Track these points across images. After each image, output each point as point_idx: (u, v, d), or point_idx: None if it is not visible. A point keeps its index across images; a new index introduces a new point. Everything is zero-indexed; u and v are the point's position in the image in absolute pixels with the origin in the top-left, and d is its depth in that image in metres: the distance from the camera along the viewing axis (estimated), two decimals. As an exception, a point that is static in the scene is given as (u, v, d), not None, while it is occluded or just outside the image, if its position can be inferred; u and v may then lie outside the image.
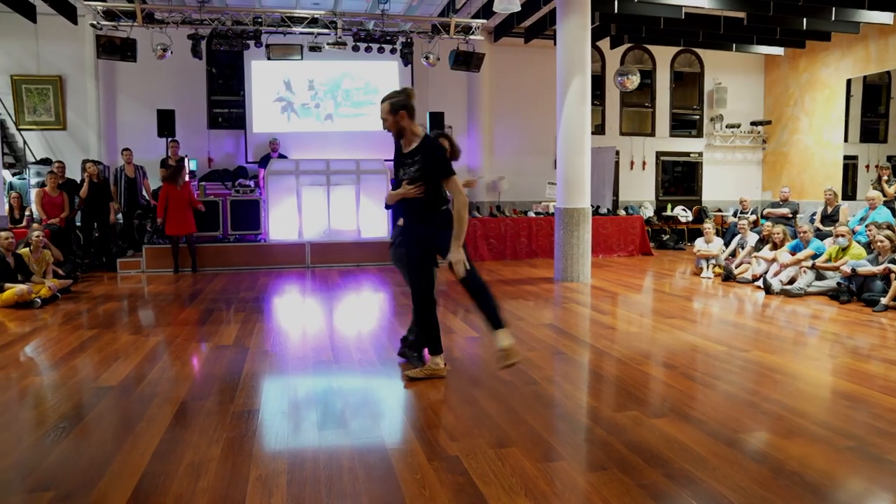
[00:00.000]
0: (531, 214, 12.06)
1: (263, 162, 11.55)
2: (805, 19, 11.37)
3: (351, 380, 4.38)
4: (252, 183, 11.11)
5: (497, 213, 12.34)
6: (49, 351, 5.24)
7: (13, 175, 11.05)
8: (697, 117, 15.33)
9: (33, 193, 9.88)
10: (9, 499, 2.70)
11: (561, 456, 3.07)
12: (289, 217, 10.71)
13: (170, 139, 10.92)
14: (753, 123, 15.30)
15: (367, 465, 2.99)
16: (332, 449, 3.20)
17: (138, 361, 4.80)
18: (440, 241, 4.00)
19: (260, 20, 10.26)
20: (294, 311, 7.35)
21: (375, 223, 10.97)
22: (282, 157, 11.66)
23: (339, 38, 10.40)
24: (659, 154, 15.08)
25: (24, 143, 11.75)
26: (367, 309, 7.13)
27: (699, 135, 15.33)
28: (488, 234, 11.22)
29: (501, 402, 3.82)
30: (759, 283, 7.97)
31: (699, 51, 14.87)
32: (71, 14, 10.97)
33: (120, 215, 10.53)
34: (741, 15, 11.46)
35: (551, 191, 11.85)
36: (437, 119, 11.52)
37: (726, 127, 15.15)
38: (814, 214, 10.44)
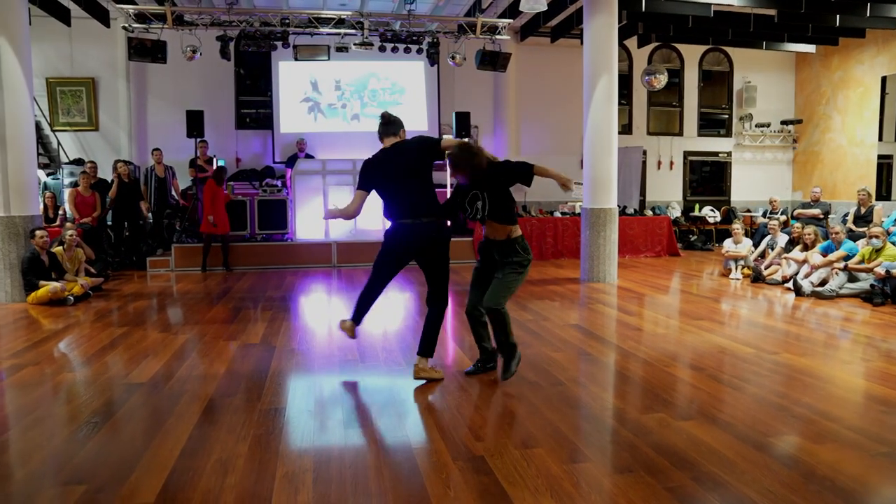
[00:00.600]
0: (557, 214, 12.00)
1: (290, 162, 11.66)
2: (838, 16, 11.14)
3: (376, 379, 4.40)
4: (279, 183, 11.22)
5: (523, 213, 12.30)
6: (81, 347, 5.34)
7: (48, 175, 11.29)
8: (726, 116, 15.13)
9: (66, 193, 10.09)
10: (43, 491, 2.76)
11: (587, 457, 3.05)
12: (315, 217, 10.79)
13: (199, 139, 11.07)
14: (784, 122, 15.05)
15: (392, 464, 3.00)
16: (357, 447, 3.22)
17: (167, 359, 4.88)
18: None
19: (287, 21, 10.36)
20: (320, 310, 7.41)
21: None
22: (309, 156, 11.76)
23: (366, 38, 10.46)
24: (687, 154, 14.91)
25: (59, 143, 12.01)
26: (393, 308, 7.15)
27: (728, 134, 15.12)
28: (513, 235, 11.16)
29: (527, 403, 3.81)
30: (790, 284, 7.83)
31: (728, 49, 14.67)
32: (103, 17, 11.21)
33: (150, 214, 10.71)
34: (772, 12, 11.27)
35: (578, 191, 11.77)
36: (462, 119, 11.51)
37: (756, 126, 14.93)
38: (846, 215, 10.23)
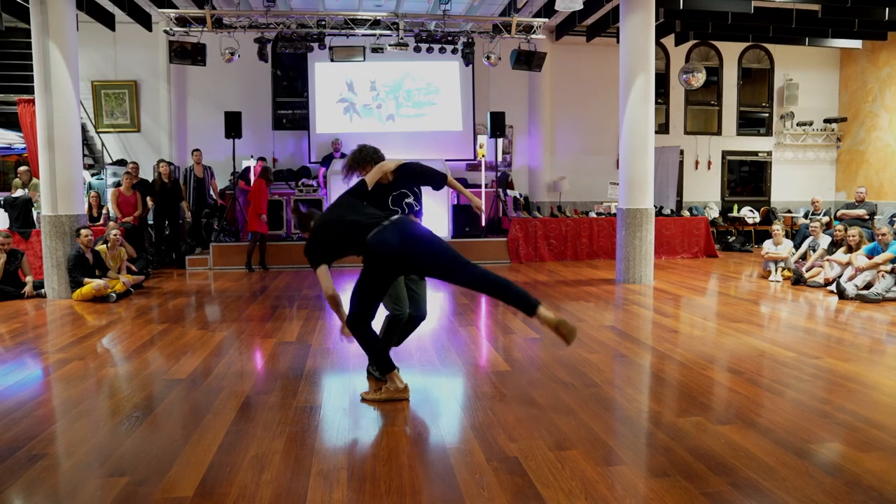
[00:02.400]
0: (592, 215, 11.90)
1: (326, 162, 11.78)
2: (887, 9, 10.79)
3: (410, 378, 4.41)
4: (315, 182, 11.34)
5: (558, 214, 12.23)
6: (123, 343, 5.48)
7: (92, 175, 11.60)
8: (766, 115, 14.80)
9: (109, 193, 10.36)
10: (89, 482, 2.84)
11: (622, 460, 3.02)
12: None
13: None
14: (827, 121, 14.66)
15: (426, 464, 3.01)
16: (391, 446, 3.23)
17: (205, 356, 4.97)
18: None
19: (323, 23, 10.46)
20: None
21: (436, 222, 11.02)
22: (344, 156, 11.84)
23: (401, 39, 10.50)
24: (725, 153, 14.63)
25: (102, 145, 12.34)
26: (428, 308, 7.17)
27: (768, 133, 14.80)
28: (549, 235, 11.13)
29: (561, 404, 3.79)
30: (832, 287, 7.63)
31: (769, 46, 14.34)
32: (146, 22, 11.48)
33: (190, 214, 10.93)
34: (815, 7, 10.99)
35: (613, 191, 11.67)
36: (497, 119, 11.49)
37: (797, 125, 14.58)
38: (893, 216, 9.92)
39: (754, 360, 4.78)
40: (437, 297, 7.74)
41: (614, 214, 10.53)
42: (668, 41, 13.44)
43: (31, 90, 8.15)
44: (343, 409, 3.78)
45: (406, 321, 4.08)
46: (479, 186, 11.19)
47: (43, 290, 7.77)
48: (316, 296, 7.74)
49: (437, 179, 4.17)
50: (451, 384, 4.29)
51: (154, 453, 3.12)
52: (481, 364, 4.74)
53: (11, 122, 11.13)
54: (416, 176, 4.15)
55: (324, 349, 5.16)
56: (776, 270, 8.79)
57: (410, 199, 4.16)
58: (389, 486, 2.77)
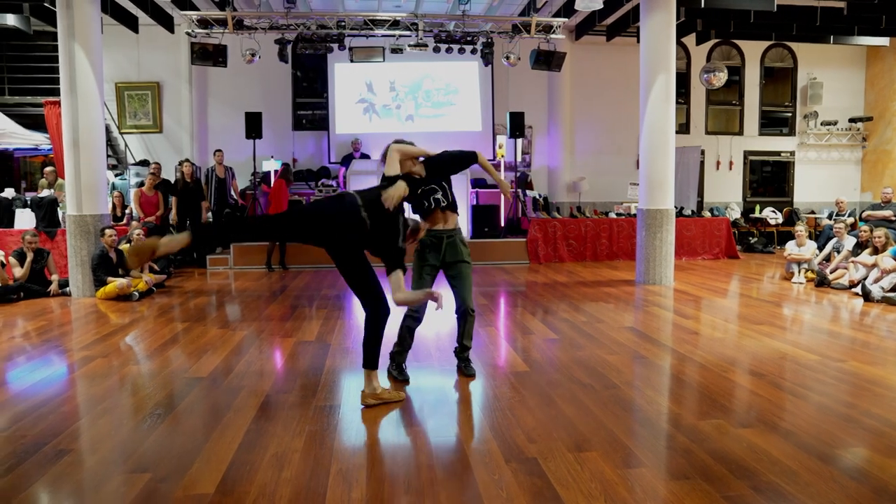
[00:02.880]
0: (612, 215, 11.83)
1: (346, 162, 11.83)
2: (915, 6, 10.61)
3: (430, 378, 4.43)
4: (334, 182, 11.40)
5: (577, 214, 12.17)
6: (145, 341, 5.55)
7: (115, 176, 11.76)
8: (789, 114, 14.62)
9: (132, 193, 10.50)
10: (112, 478, 2.88)
11: (641, 462, 3.00)
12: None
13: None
14: (852, 120, 14.44)
15: (444, 464, 3.01)
16: (410, 446, 3.24)
17: (226, 354, 5.02)
18: None
19: (343, 23, 10.51)
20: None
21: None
22: (364, 156, 11.91)
23: (421, 39, 10.53)
24: (747, 153, 14.47)
25: (126, 145, 12.51)
26: (447, 308, 7.17)
27: (791, 133, 14.61)
28: (568, 235, 11.08)
29: (580, 405, 3.77)
30: (857, 289, 7.52)
31: (792, 44, 14.16)
32: (168, 24, 11.62)
33: (210, 214, 11.04)
34: (841, 4, 10.82)
35: (633, 191, 11.58)
36: (516, 119, 11.46)
37: (821, 124, 14.37)
38: (920, 217, 9.74)
39: (776, 362, 4.73)
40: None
41: (634, 215, 10.46)
42: (689, 40, 13.31)
43: (56, 92, 8.27)
44: (362, 408, 3.79)
45: (458, 317, 4.33)
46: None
47: (68, 289, 7.89)
48: (335, 296, 7.78)
49: (468, 160, 4.25)
50: (469, 384, 4.29)
51: (175, 451, 3.16)
52: (500, 365, 4.73)
53: (38, 124, 11.32)
54: (445, 166, 4.20)
55: (343, 348, 5.19)
56: (799, 272, 8.68)
57: (438, 195, 4.19)
58: (408, 486, 2.78)
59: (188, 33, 10.42)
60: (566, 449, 3.14)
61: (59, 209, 9.44)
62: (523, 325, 6.05)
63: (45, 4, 9.56)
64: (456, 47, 10.94)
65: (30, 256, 7.72)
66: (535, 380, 4.30)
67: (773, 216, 13.35)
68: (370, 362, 3.80)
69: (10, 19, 11.16)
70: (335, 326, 6.01)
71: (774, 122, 14.69)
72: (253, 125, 11.00)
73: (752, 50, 14.23)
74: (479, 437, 3.34)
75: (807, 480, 2.78)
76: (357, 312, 7.02)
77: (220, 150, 11.15)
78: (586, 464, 2.97)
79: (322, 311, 6.77)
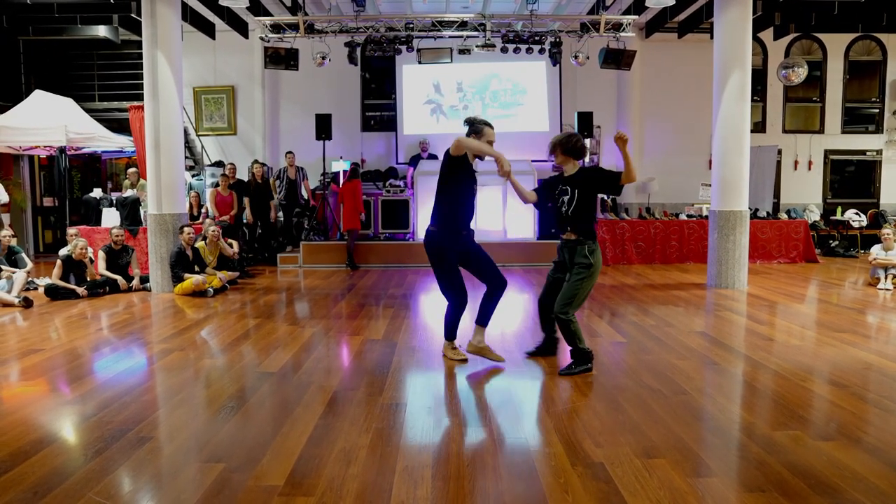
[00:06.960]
0: (683, 217, 11.51)
1: (413, 162, 11.94)
2: None
3: (495, 378, 4.42)
4: (402, 183, 11.52)
5: (646, 216, 11.90)
6: (219, 336, 5.76)
7: (192, 176, 12.26)
8: (876, 111, 13.85)
9: (208, 193, 10.91)
10: (188, 466, 3.00)
11: (713, 472, 2.91)
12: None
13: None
14: (946, 117, 13.57)
15: (509, 465, 3.00)
16: (475, 446, 3.25)
17: (295, 350, 5.15)
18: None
19: (411, 25, 10.62)
20: (439, 309, 7.51)
21: (522, 224, 10.98)
22: (431, 157, 11.98)
23: (488, 39, 10.52)
24: (828, 152, 13.80)
25: (202, 147, 13.02)
26: (512, 309, 7.15)
27: (878, 130, 13.84)
28: (636, 237, 10.85)
29: (648, 411, 3.69)
30: (951, 296, 7.07)
31: (881, 36, 13.41)
32: (243, 29, 12.04)
33: (281, 213, 11.35)
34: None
35: (705, 192, 11.24)
36: (585, 119, 11.30)
37: (912, 121, 13.56)
38: None
39: (860, 372, 4.49)
40: (521, 299, 7.71)
41: (706, 217, 10.15)
42: (766, 35, 12.80)
43: (140, 97, 8.69)
44: (428, 407, 3.82)
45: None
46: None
47: (148, 284, 8.27)
48: (402, 294, 7.87)
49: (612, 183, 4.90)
50: (535, 386, 4.26)
51: (247, 442, 3.26)
52: (558, 367, 4.67)
53: (123, 128, 11.90)
54: (592, 180, 4.90)
55: (409, 347, 5.24)
56: (886, 278, 8.22)
57: (566, 198, 4.66)
58: (473, 487, 2.78)
59: (262, 38, 10.74)
60: (634, 455, 3.08)
61: (140, 208, 9.91)
62: (590, 328, 5.97)
63: (132, 15, 10.05)
64: (524, 47, 10.87)
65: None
66: (602, 383, 4.23)
67: (856, 218, 12.69)
68: (481, 319, 4.76)
69: (102, 30, 11.78)
70: (402, 325, 6.08)
71: (859, 119, 13.95)
72: (323, 127, 11.24)
73: (836, 43, 13.56)
74: (545, 440, 3.31)
75: (895, 501, 2.63)
76: (423, 312, 7.09)
77: (291, 152, 11.46)
78: (655, 471, 2.90)
79: (389, 310, 6.86)
